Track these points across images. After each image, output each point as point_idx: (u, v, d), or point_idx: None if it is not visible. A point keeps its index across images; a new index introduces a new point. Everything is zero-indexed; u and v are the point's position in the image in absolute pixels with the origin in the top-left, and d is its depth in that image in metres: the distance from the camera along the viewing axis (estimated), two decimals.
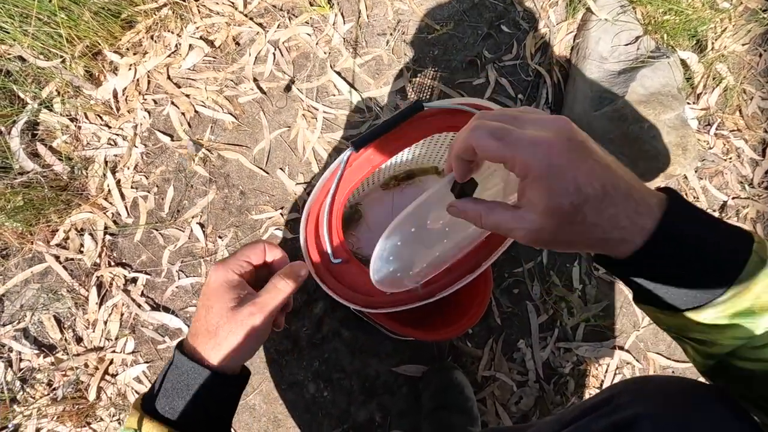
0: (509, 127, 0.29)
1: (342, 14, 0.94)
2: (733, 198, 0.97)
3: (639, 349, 0.91)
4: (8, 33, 0.77)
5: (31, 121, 0.83)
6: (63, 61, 0.82)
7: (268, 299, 0.38)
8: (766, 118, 1.01)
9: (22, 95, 0.83)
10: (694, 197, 0.97)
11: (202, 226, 0.84)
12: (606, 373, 0.88)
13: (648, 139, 0.79)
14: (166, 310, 0.80)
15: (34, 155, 0.82)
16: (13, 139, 0.81)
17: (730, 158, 0.99)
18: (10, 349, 0.76)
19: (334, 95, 0.91)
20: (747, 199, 0.98)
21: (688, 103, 0.98)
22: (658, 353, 0.91)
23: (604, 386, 0.88)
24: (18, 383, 0.75)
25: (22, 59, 0.82)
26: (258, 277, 0.41)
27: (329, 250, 0.52)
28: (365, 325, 0.82)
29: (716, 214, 0.96)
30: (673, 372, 0.91)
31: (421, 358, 0.83)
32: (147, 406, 0.36)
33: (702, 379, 0.35)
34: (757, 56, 1.03)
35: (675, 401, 0.33)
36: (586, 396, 0.88)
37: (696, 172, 0.97)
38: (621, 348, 0.90)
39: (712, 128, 0.98)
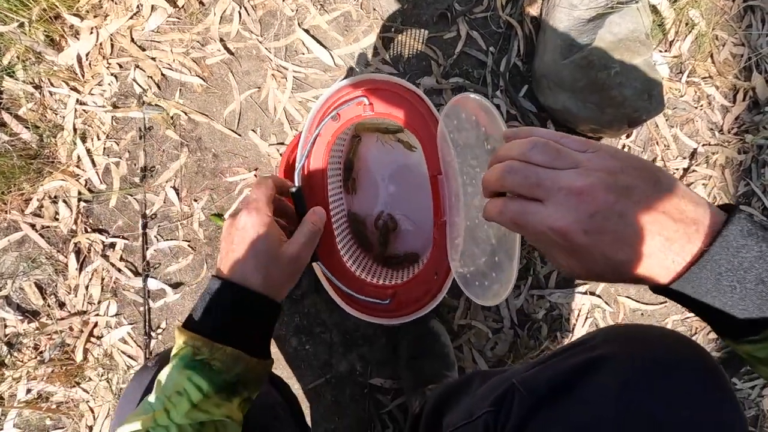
0: (543, 178, 0.29)
1: None
2: (703, 145, 0.99)
3: (609, 293, 0.94)
4: None
5: None
6: (21, 26, 0.80)
7: (306, 241, 0.44)
8: (738, 64, 1.01)
9: None
10: (665, 146, 0.98)
11: (176, 190, 0.84)
12: (578, 317, 0.92)
13: (615, 85, 0.79)
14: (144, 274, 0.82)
15: (1, 125, 0.81)
16: None
17: (701, 105, 1.00)
18: None
19: (304, 54, 0.90)
20: (717, 145, 0.99)
21: (660, 51, 0.98)
22: (628, 297, 0.95)
23: (576, 330, 0.92)
24: (5, 348, 0.77)
25: None
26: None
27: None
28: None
29: (686, 162, 0.98)
30: (642, 314, 0.95)
31: None
32: (211, 333, 0.37)
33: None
34: (730, 1, 1.02)
35: (639, 345, 0.35)
36: (559, 339, 0.92)
37: (667, 119, 0.98)
38: (592, 294, 0.93)
39: (684, 76, 0.99)
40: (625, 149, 0.96)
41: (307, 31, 0.90)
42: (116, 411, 0.44)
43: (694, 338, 0.95)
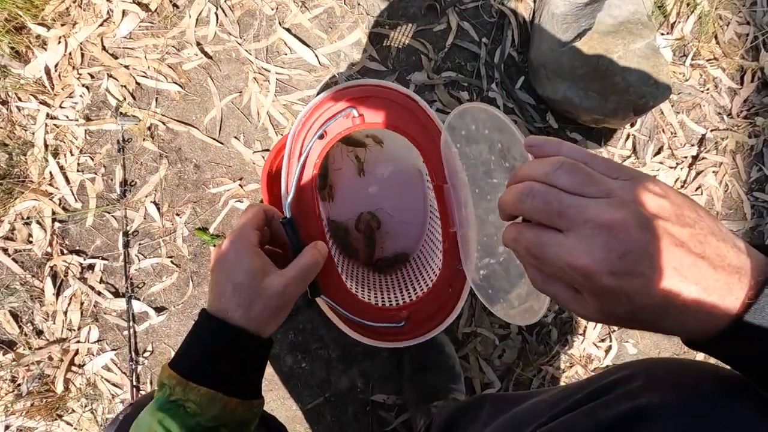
0: (568, 205, 0.25)
1: None
2: (712, 130, 0.94)
3: None
4: None
5: None
6: None
7: (297, 275, 0.40)
8: (744, 43, 0.96)
9: None
10: (672, 133, 0.93)
11: (156, 204, 0.79)
12: None
13: (618, 71, 0.74)
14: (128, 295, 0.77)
15: None
16: None
17: (708, 89, 0.95)
18: None
19: (286, 54, 0.85)
20: (726, 130, 0.94)
21: (662, 34, 0.93)
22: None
23: (588, 333, 0.87)
24: None
25: None
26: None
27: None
28: None
29: (694, 150, 0.93)
30: None
31: None
32: (186, 372, 0.35)
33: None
34: None
35: (690, 391, 0.30)
36: (570, 343, 0.87)
37: (672, 105, 0.93)
38: None
39: (688, 59, 0.94)
40: (630, 139, 0.91)
41: (288, 30, 0.85)
42: None
43: None
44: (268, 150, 0.82)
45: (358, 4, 0.88)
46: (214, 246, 0.79)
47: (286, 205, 0.46)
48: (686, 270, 0.23)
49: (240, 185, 0.81)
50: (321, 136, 0.50)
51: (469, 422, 0.56)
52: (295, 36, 0.85)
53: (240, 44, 0.84)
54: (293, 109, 0.84)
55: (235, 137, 0.82)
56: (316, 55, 0.85)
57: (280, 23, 0.85)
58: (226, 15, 0.84)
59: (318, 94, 0.83)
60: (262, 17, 0.85)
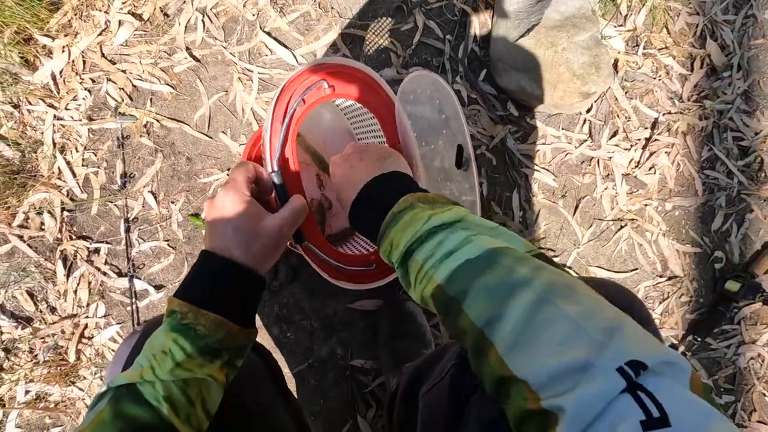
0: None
1: None
2: (664, 114, 1.01)
3: (581, 264, 0.97)
4: None
5: None
6: None
7: (290, 216, 0.46)
8: (693, 32, 1.03)
9: None
10: (626, 117, 1.00)
11: (153, 194, 0.88)
12: None
13: (563, 61, 0.82)
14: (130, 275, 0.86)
15: None
16: None
17: (659, 76, 1.02)
18: None
19: (267, 55, 0.94)
20: (677, 113, 1.02)
21: (614, 26, 1.00)
22: (599, 267, 0.97)
23: None
24: (2, 353, 0.82)
25: None
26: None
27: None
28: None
29: (647, 132, 1.00)
30: None
31: (374, 294, 0.89)
32: (196, 301, 0.40)
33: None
34: None
35: None
36: None
37: (626, 92, 1.01)
38: (563, 266, 0.96)
39: (640, 48, 1.01)
40: (586, 124, 0.99)
41: (268, 33, 0.94)
42: (107, 371, 0.48)
43: (665, 302, 0.98)
44: None
45: (332, 7, 0.96)
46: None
47: (274, 159, 0.51)
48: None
49: (228, 175, 0.90)
50: (300, 104, 0.55)
51: (435, 364, 0.62)
52: (274, 39, 0.94)
53: (225, 48, 0.93)
54: None
55: (223, 132, 0.91)
56: (294, 56, 0.94)
57: (261, 27, 0.94)
58: (211, 21, 0.93)
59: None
60: (244, 22, 0.94)
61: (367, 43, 0.96)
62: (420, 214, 0.38)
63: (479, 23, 0.98)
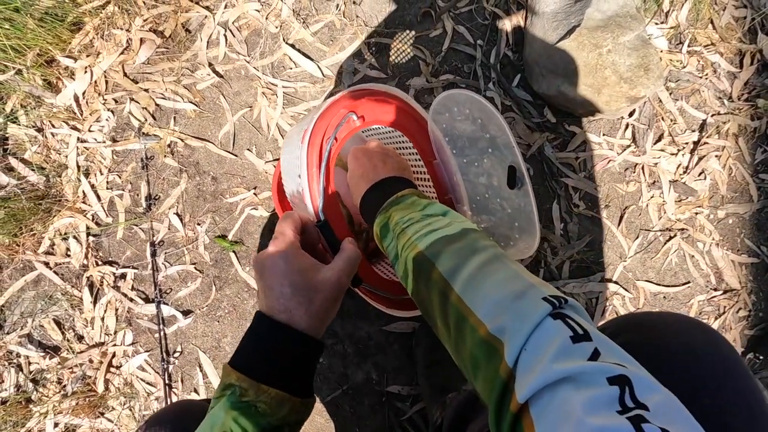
0: None
1: None
2: (713, 115, 0.95)
3: (627, 279, 0.91)
4: None
5: None
6: (18, 73, 0.83)
7: (346, 267, 0.43)
8: (741, 27, 0.97)
9: None
10: (672, 120, 0.94)
11: (179, 216, 0.85)
12: (596, 306, 0.89)
13: (608, 64, 0.77)
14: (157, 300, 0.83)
15: (9, 169, 0.84)
16: None
17: (706, 75, 0.96)
18: (18, 355, 0.80)
19: (291, 68, 0.91)
20: (727, 114, 0.95)
21: (656, 24, 0.94)
22: (647, 281, 0.91)
23: (596, 320, 0.89)
24: (30, 385, 0.80)
25: None
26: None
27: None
28: (349, 290, 0.84)
29: (695, 135, 0.94)
30: (664, 297, 0.91)
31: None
32: (257, 375, 0.37)
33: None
34: None
35: (656, 335, 0.40)
36: None
37: (671, 93, 0.94)
38: (609, 280, 0.90)
39: (684, 46, 0.95)
40: (629, 128, 0.93)
41: (292, 45, 0.91)
42: None
43: (722, 318, 0.91)
44: (278, 159, 0.88)
45: (357, 16, 0.92)
46: (234, 251, 0.85)
47: (319, 209, 0.50)
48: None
49: (254, 194, 0.86)
50: (332, 144, 0.53)
51: (479, 411, 0.59)
52: (298, 51, 0.91)
53: (248, 62, 0.90)
54: (300, 119, 0.89)
55: (248, 149, 0.88)
56: (320, 67, 0.90)
57: (284, 40, 0.91)
58: (234, 36, 0.90)
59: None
60: (267, 35, 0.91)
61: (395, 51, 0.92)
62: (419, 202, 0.48)
63: (511, 27, 0.93)
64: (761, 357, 0.90)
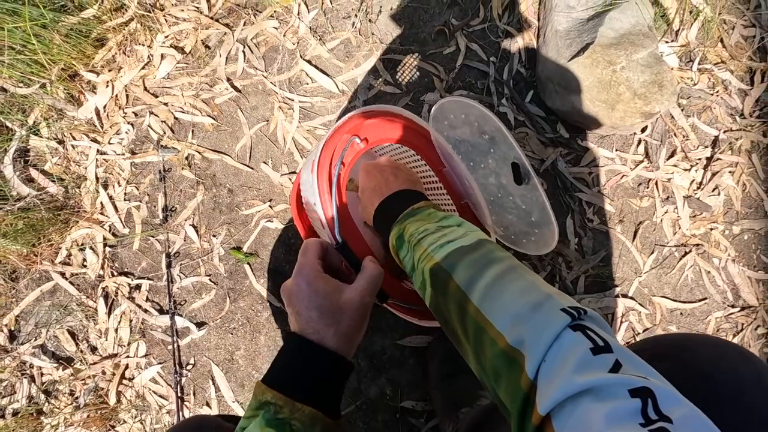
0: None
1: (305, 3, 0.94)
2: (725, 131, 0.95)
3: (643, 294, 0.90)
4: None
5: (21, 148, 0.86)
6: (42, 87, 0.85)
7: (368, 286, 0.45)
8: (751, 45, 0.98)
9: (9, 125, 0.86)
10: (684, 136, 0.95)
11: (195, 227, 0.86)
12: (612, 321, 0.88)
13: (622, 81, 0.78)
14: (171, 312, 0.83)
15: (29, 180, 0.85)
16: (6, 167, 0.84)
17: (717, 92, 0.97)
18: (31, 366, 0.80)
19: (308, 84, 0.92)
20: (739, 130, 0.95)
21: (667, 42, 0.96)
22: (663, 297, 0.90)
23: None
24: (42, 396, 0.79)
25: (3, 90, 0.85)
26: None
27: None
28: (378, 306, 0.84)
29: (708, 151, 0.94)
30: (681, 313, 0.90)
31: (423, 329, 0.84)
32: (291, 393, 0.38)
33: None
34: None
35: (696, 364, 0.38)
36: None
37: (682, 109, 0.95)
38: (625, 296, 0.89)
39: (695, 63, 0.96)
40: (641, 144, 0.93)
41: (309, 61, 0.93)
42: None
43: (740, 335, 0.89)
44: (294, 172, 0.89)
45: (372, 33, 0.94)
46: (248, 263, 0.85)
47: (336, 232, 0.51)
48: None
49: (270, 206, 0.87)
50: (340, 168, 0.55)
51: (495, 424, 0.58)
52: (315, 66, 0.92)
53: (265, 77, 0.92)
54: (316, 133, 0.90)
55: (264, 162, 0.89)
56: (335, 83, 0.92)
57: (301, 56, 0.93)
58: (252, 52, 0.93)
59: (338, 118, 0.90)
60: (284, 51, 0.93)
61: (409, 67, 0.93)
62: (435, 214, 0.48)
63: (524, 44, 0.95)
64: None
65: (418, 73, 0.93)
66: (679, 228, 0.92)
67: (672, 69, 0.95)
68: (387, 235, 0.51)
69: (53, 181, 0.86)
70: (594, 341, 0.29)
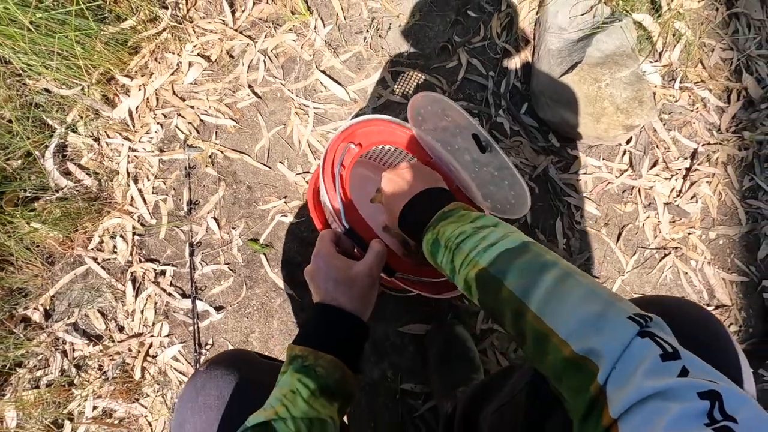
0: None
1: (321, 18, 1.04)
2: (703, 145, 1.04)
3: (626, 292, 0.98)
4: (33, 69, 0.89)
5: (60, 144, 0.95)
6: (82, 89, 0.94)
7: (374, 260, 0.53)
8: (728, 67, 1.07)
9: (50, 122, 0.95)
10: (665, 148, 1.03)
11: (216, 220, 0.94)
12: None
13: (606, 96, 0.86)
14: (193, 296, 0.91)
15: (66, 173, 0.94)
16: (47, 161, 0.92)
17: (697, 108, 1.05)
18: (64, 342, 0.88)
19: (322, 92, 1.01)
20: (717, 144, 1.04)
21: (651, 62, 1.05)
22: (644, 294, 0.98)
23: None
24: (73, 369, 0.86)
25: (47, 91, 0.94)
26: None
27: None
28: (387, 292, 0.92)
29: (687, 162, 1.03)
30: None
31: (422, 318, 0.92)
32: (316, 345, 0.45)
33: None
34: (714, 10, 1.09)
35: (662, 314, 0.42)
36: None
37: (664, 124, 1.04)
38: None
39: (676, 82, 1.05)
40: (626, 154, 1.02)
41: (324, 71, 1.01)
42: (176, 411, 0.50)
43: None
44: (308, 172, 0.97)
45: (382, 48, 1.03)
46: (264, 254, 0.93)
47: (342, 219, 0.60)
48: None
49: (285, 202, 0.95)
50: (340, 170, 0.65)
51: (501, 386, 0.64)
52: (329, 76, 1.01)
53: (283, 85, 1.00)
54: (328, 137, 0.99)
55: (281, 162, 0.97)
56: (347, 92, 1.01)
57: (316, 66, 1.01)
58: (272, 61, 1.01)
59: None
60: (301, 62, 1.02)
61: (415, 79, 1.02)
62: (468, 215, 0.48)
63: (520, 61, 1.03)
64: (751, 370, 0.95)
65: (422, 84, 1.02)
66: (660, 232, 1.00)
67: (655, 87, 1.03)
68: (416, 237, 0.53)
69: (88, 175, 0.94)
70: (663, 348, 0.30)
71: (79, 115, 0.96)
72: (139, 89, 0.97)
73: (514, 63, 1.03)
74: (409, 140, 0.71)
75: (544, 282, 0.37)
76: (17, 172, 0.91)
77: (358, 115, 1.01)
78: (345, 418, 0.88)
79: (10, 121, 0.88)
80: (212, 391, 0.47)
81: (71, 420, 0.84)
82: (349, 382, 0.45)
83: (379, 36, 1.04)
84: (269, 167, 0.97)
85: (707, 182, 1.02)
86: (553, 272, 0.38)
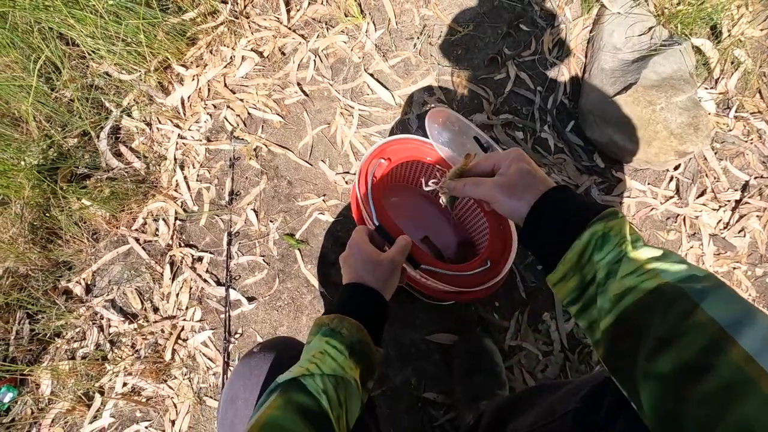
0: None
1: (373, 22, 1.05)
2: (756, 177, 1.00)
3: None
4: (98, 53, 0.93)
5: (114, 126, 0.98)
6: (140, 75, 0.97)
7: (398, 249, 0.60)
8: None
9: (107, 104, 0.98)
10: (715, 178, 1.00)
11: (255, 212, 0.96)
12: None
13: (660, 120, 0.84)
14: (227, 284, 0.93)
15: (118, 155, 0.97)
16: (101, 141, 0.96)
17: (751, 139, 1.02)
18: (101, 317, 0.90)
19: (368, 94, 1.02)
20: None
21: (706, 88, 1.02)
22: None
23: None
24: (108, 345, 0.89)
25: (108, 74, 0.98)
26: None
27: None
28: (396, 296, 0.91)
29: (738, 194, 0.99)
30: None
31: (451, 328, 0.91)
32: (340, 312, 0.51)
33: None
34: None
35: None
36: None
37: (716, 153, 1.01)
38: None
39: (732, 111, 1.02)
40: (673, 181, 0.99)
41: (371, 75, 1.02)
42: (227, 387, 0.53)
43: None
44: (348, 172, 0.98)
45: (431, 55, 1.04)
46: (299, 249, 0.94)
47: (373, 218, 0.69)
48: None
49: (323, 200, 0.96)
50: (373, 180, 0.74)
51: (532, 403, 0.63)
52: (376, 80, 1.02)
53: (331, 85, 1.02)
54: (371, 139, 1.00)
55: (322, 160, 0.99)
56: (393, 96, 1.01)
57: (365, 69, 1.03)
58: (321, 61, 1.03)
59: (392, 129, 0.99)
60: (350, 64, 1.03)
61: (461, 89, 1.02)
62: (632, 227, 0.42)
63: (569, 77, 1.02)
64: None
65: (468, 94, 1.02)
66: (703, 264, 0.97)
67: (709, 114, 1.01)
68: (546, 239, 0.45)
69: (138, 158, 0.97)
70: None
71: (134, 100, 0.99)
72: (193, 79, 1.00)
73: (564, 79, 1.02)
74: (432, 153, 0.79)
75: (762, 324, 0.34)
76: (73, 149, 0.95)
77: (402, 121, 1.01)
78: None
79: (72, 100, 0.92)
80: (265, 372, 0.51)
81: (102, 393, 0.87)
82: (370, 348, 0.49)
83: (429, 43, 1.05)
84: (311, 164, 0.98)
85: (757, 216, 0.99)
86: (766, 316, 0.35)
